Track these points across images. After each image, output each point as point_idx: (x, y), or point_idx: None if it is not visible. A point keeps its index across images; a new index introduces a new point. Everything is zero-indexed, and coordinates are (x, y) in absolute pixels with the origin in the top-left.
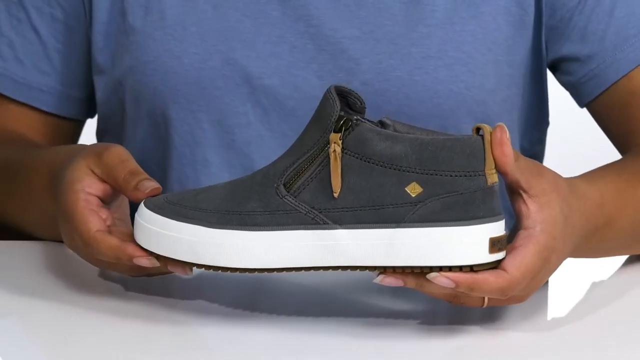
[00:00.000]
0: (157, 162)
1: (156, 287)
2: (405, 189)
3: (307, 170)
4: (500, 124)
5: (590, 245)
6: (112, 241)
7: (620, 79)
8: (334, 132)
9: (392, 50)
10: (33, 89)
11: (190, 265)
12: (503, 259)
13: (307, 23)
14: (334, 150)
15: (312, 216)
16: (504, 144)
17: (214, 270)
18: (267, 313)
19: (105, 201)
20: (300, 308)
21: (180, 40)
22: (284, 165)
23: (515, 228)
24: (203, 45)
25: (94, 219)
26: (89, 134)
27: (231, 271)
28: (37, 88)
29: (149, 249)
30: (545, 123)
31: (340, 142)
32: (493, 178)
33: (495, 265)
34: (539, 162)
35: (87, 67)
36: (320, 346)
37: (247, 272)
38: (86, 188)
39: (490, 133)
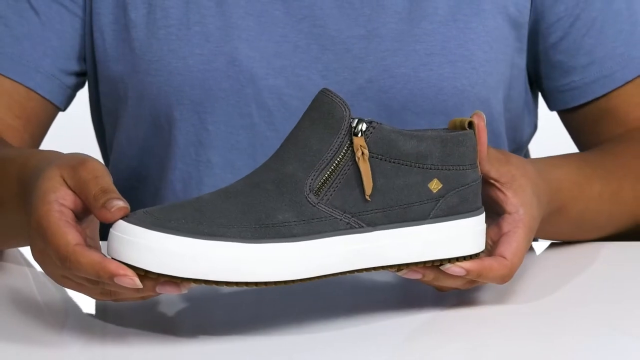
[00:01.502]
0: (157, 161)
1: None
2: (428, 185)
3: (332, 175)
4: (477, 111)
5: (545, 226)
6: (94, 256)
7: (601, 96)
8: (355, 135)
9: (396, 48)
10: (29, 69)
11: (231, 284)
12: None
13: (311, 23)
14: (362, 154)
15: (347, 220)
16: (482, 131)
17: (248, 286)
18: (269, 318)
19: (79, 217)
20: (301, 310)
21: (185, 40)
22: (302, 171)
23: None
24: (207, 45)
25: (72, 232)
26: (85, 131)
27: (271, 285)
28: (33, 68)
29: (166, 273)
30: (534, 127)
31: (366, 145)
32: (479, 169)
33: None
34: (503, 149)
35: (79, 55)
36: (323, 348)
37: (290, 284)
38: (60, 199)
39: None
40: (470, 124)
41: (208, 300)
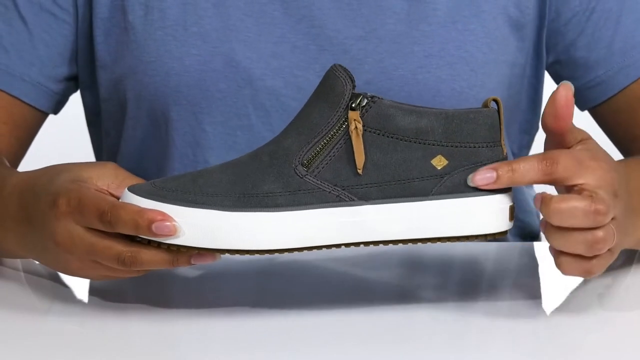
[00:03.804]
0: (156, 162)
1: (155, 280)
2: (431, 162)
3: (325, 148)
4: (565, 82)
5: (632, 229)
6: (132, 206)
7: (629, 84)
8: (351, 109)
9: (394, 49)
10: (15, 78)
11: (209, 251)
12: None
13: (309, 23)
14: (356, 128)
15: (337, 193)
16: (569, 101)
17: (231, 254)
18: (273, 304)
19: None
20: (306, 297)
21: (182, 41)
22: (297, 144)
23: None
24: (204, 46)
25: (107, 196)
26: (81, 132)
27: (253, 254)
28: (19, 77)
29: (155, 239)
30: (536, 128)
31: (360, 119)
32: (505, 149)
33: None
34: None
35: (68, 61)
36: (328, 337)
37: (269, 254)
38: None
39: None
40: (495, 103)
41: (210, 282)
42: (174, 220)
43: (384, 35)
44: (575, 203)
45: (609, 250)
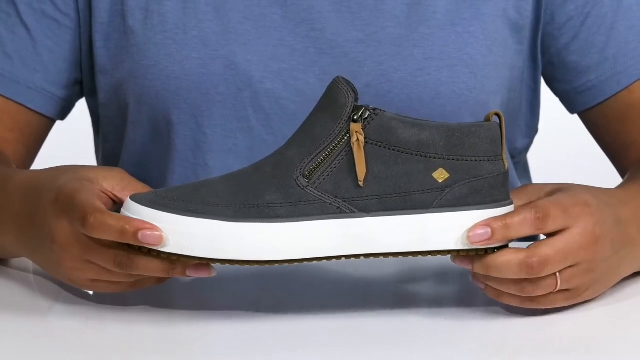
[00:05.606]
0: (157, 165)
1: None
2: (432, 175)
3: (326, 160)
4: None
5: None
6: (119, 215)
7: (620, 91)
8: (353, 122)
9: (394, 52)
10: (20, 85)
11: (208, 261)
12: None
13: (309, 27)
14: (357, 140)
15: (338, 205)
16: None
17: (231, 264)
18: (272, 306)
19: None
20: (304, 299)
21: (182, 44)
22: (299, 155)
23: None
24: (204, 49)
25: (99, 201)
26: (83, 133)
27: (253, 264)
28: (24, 84)
29: (157, 248)
30: (535, 131)
31: (362, 131)
32: (506, 163)
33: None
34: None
35: (72, 67)
36: (327, 339)
37: (269, 265)
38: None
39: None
40: (497, 117)
41: (210, 283)
42: (161, 231)
43: (383, 38)
44: (509, 257)
45: (567, 290)
